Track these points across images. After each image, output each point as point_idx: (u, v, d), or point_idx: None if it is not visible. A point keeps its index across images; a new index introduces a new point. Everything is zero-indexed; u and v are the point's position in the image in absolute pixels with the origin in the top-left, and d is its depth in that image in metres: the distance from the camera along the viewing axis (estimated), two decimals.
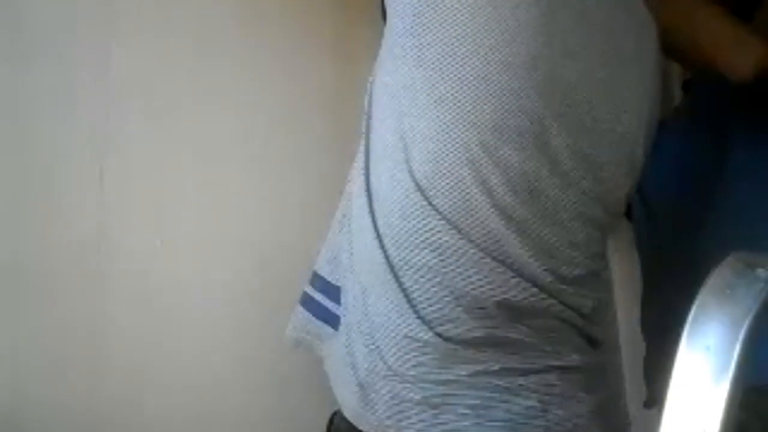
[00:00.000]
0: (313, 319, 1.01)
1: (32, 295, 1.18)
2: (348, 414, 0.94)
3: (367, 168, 0.94)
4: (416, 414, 0.89)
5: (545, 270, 0.91)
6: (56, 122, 1.20)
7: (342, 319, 0.97)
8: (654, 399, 1.38)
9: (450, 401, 0.88)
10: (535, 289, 0.90)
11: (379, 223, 0.91)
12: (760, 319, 0.51)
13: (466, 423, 0.88)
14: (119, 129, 1.24)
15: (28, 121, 1.19)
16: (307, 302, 1.02)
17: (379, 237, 0.91)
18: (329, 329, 0.99)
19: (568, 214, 0.92)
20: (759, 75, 1.10)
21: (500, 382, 0.89)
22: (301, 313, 1.02)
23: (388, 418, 0.90)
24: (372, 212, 0.92)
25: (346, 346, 0.95)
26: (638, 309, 1.49)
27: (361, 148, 0.96)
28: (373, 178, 0.93)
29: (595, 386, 0.96)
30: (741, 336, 0.50)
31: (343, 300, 0.97)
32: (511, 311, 0.90)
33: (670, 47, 1.17)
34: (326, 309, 1.00)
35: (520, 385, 0.90)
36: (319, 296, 1.01)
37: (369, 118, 0.96)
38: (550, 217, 0.91)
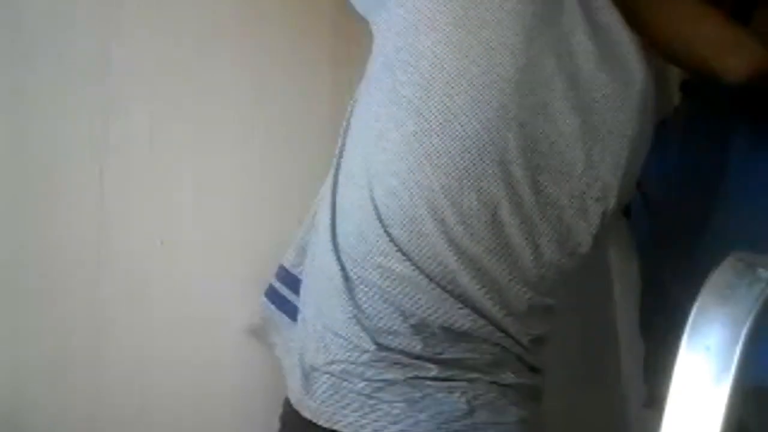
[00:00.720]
0: (272, 308, 1.09)
1: (32, 295, 1.18)
2: (292, 400, 1.00)
3: (335, 185, 0.98)
4: (353, 401, 0.94)
5: (494, 304, 0.95)
6: (56, 122, 1.20)
7: (299, 313, 1.03)
8: (653, 399, 1.39)
9: (385, 394, 0.94)
10: (482, 321, 0.95)
11: (339, 239, 0.96)
12: (761, 319, 0.51)
13: (397, 412, 0.93)
14: (119, 129, 1.24)
15: (28, 121, 1.19)
16: (270, 293, 1.09)
17: (337, 251, 0.96)
18: (287, 319, 1.06)
19: (524, 254, 0.95)
20: (755, 78, 1.10)
21: (433, 383, 0.95)
22: (263, 301, 1.10)
23: (324, 403, 0.96)
24: (333, 227, 0.97)
25: (301, 339, 1.01)
26: (638, 309, 1.50)
27: (333, 163, 1.00)
28: (338, 197, 0.98)
29: (526, 403, 1.01)
30: (742, 336, 0.50)
31: (302, 294, 1.03)
32: (454, 334, 0.95)
33: (668, 50, 1.17)
34: (285, 299, 1.07)
35: (451, 386, 0.95)
36: (280, 286, 1.08)
37: (344, 138, 1.00)
38: (506, 256, 0.94)
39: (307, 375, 0.98)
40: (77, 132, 1.21)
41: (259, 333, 1.12)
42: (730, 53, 1.11)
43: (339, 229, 0.97)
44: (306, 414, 0.98)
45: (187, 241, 1.28)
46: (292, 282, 1.06)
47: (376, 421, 0.93)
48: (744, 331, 0.50)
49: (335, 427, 0.94)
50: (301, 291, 1.03)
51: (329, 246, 0.96)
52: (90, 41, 1.23)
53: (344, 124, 1.01)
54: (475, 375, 0.96)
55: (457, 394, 0.95)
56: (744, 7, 1.29)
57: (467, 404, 0.95)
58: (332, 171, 1.00)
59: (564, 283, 1.01)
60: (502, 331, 0.97)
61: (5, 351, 1.16)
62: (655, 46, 1.14)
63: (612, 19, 0.98)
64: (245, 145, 1.32)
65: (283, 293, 1.08)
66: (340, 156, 1.00)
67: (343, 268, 0.95)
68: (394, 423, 0.93)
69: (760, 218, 1.20)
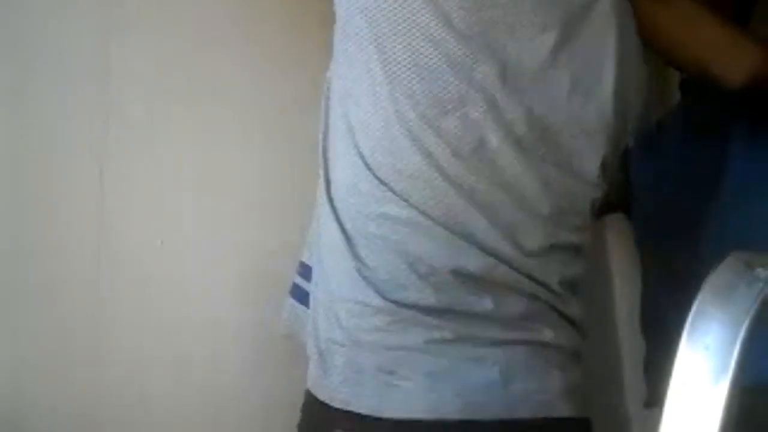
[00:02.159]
0: (296, 304, 1.03)
1: (32, 295, 1.18)
2: (309, 384, 0.95)
3: (326, 163, 0.96)
4: (370, 380, 0.88)
5: (506, 241, 0.89)
6: (56, 122, 1.20)
7: (311, 296, 0.98)
8: (654, 399, 1.38)
9: (403, 368, 0.87)
10: (491, 259, 0.89)
11: (336, 204, 0.93)
12: (760, 318, 0.51)
13: (419, 391, 0.86)
14: (119, 129, 1.24)
15: (28, 121, 1.19)
16: (293, 290, 1.04)
17: (335, 214, 0.92)
18: (306, 309, 1.00)
19: (525, 182, 0.90)
20: (754, 82, 1.10)
21: (457, 352, 0.87)
22: (290, 302, 1.04)
23: (342, 384, 0.90)
24: (329, 196, 0.93)
25: (313, 320, 0.95)
26: (638, 308, 1.49)
27: (320, 142, 0.98)
28: (330, 164, 0.95)
29: (570, 366, 0.93)
30: (741, 336, 0.50)
31: (313, 278, 0.98)
32: (470, 282, 0.88)
33: (666, 54, 1.17)
34: (304, 291, 1.02)
35: (481, 355, 0.88)
36: (299, 280, 1.03)
37: (326, 119, 0.98)
38: (504, 184, 0.89)
39: (322, 354, 0.92)
40: (77, 132, 1.22)
41: (293, 335, 1.06)
42: (729, 58, 1.11)
43: (335, 195, 0.93)
44: (322, 396, 0.92)
45: (187, 241, 1.28)
46: (308, 273, 1.03)
47: (397, 400, 0.86)
48: (743, 331, 0.50)
49: (351, 409, 0.88)
50: (313, 275, 0.99)
51: (329, 213, 0.93)
52: (90, 41, 1.23)
53: (323, 104, 0.99)
54: (504, 334, 0.88)
55: (488, 364, 0.87)
56: (743, 5, 1.29)
57: (500, 374, 0.87)
58: (320, 152, 0.98)
59: (585, 217, 0.96)
60: (523, 273, 0.90)
61: (5, 350, 1.16)
62: (654, 49, 1.14)
63: None
64: (245, 144, 1.32)
65: (303, 287, 1.05)
66: (326, 137, 0.98)
67: (343, 230, 0.91)
68: (415, 402, 0.86)
69: (759, 218, 1.20)
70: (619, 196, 1.41)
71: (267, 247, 1.30)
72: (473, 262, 0.88)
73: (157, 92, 1.26)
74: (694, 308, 0.52)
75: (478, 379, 0.87)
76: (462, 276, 0.88)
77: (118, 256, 1.23)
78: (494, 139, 0.88)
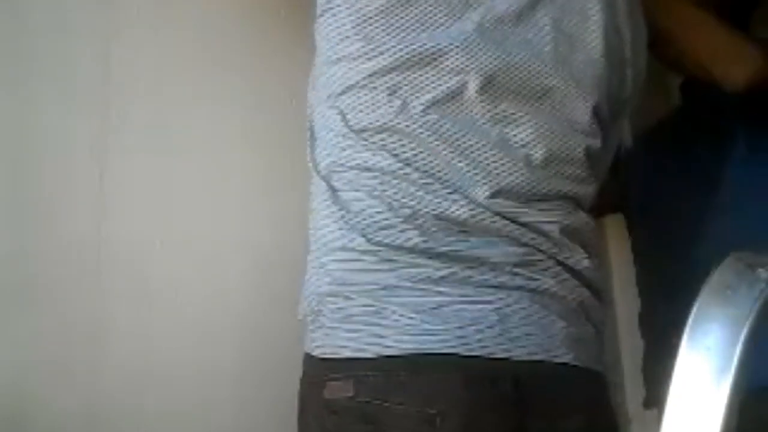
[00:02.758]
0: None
1: (32, 295, 1.18)
2: (305, 346, 0.93)
3: (312, 145, 0.97)
4: (359, 324, 0.86)
5: (488, 187, 0.88)
6: (56, 122, 1.20)
7: (308, 264, 0.97)
8: (652, 400, 1.38)
9: (393, 305, 0.85)
10: (476, 207, 0.88)
11: (320, 166, 0.94)
12: (761, 319, 0.51)
13: (409, 326, 0.83)
14: (119, 129, 1.24)
15: (28, 121, 1.19)
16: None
17: (320, 175, 0.94)
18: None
19: (510, 127, 0.90)
20: (754, 86, 1.11)
21: (448, 289, 0.85)
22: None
23: (332, 333, 0.88)
24: (313, 155, 0.96)
25: (306, 281, 0.95)
26: (638, 309, 1.49)
27: (307, 131, 0.99)
28: (315, 125, 0.96)
29: (575, 319, 0.90)
30: (742, 336, 0.50)
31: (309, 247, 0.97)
32: (455, 226, 0.87)
33: (667, 56, 1.17)
34: None
35: (474, 294, 0.85)
36: None
37: (312, 116, 0.99)
38: (486, 131, 0.89)
39: (314, 311, 0.91)
40: (77, 132, 1.21)
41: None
42: (729, 61, 1.11)
43: (319, 159, 0.95)
44: (315, 351, 0.90)
45: (187, 241, 1.28)
46: None
47: (380, 337, 0.83)
48: (744, 332, 0.50)
49: (341, 356, 0.86)
50: (309, 243, 0.98)
51: (315, 176, 0.95)
52: (90, 41, 1.23)
53: (309, 97, 1.01)
54: (498, 278, 0.86)
55: (482, 303, 0.84)
56: (743, 7, 1.29)
57: (495, 313, 0.84)
58: (308, 139, 0.99)
59: (581, 166, 0.94)
60: (513, 221, 0.88)
61: (5, 351, 1.16)
62: (655, 53, 1.14)
63: None
64: (245, 144, 1.32)
65: None
66: (311, 125, 0.99)
67: (328, 185, 0.92)
68: (405, 337, 0.82)
69: (761, 218, 1.20)
70: (618, 196, 1.41)
71: (267, 247, 1.30)
72: (457, 208, 0.87)
73: (157, 92, 1.26)
74: (695, 309, 0.52)
75: (471, 315, 0.84)
76: (446, 220, 0.87)
77: (118, 256, 1.23)
78: (473, 86, 0.89)
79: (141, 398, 1.22)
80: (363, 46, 0.90)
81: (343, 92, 0.92)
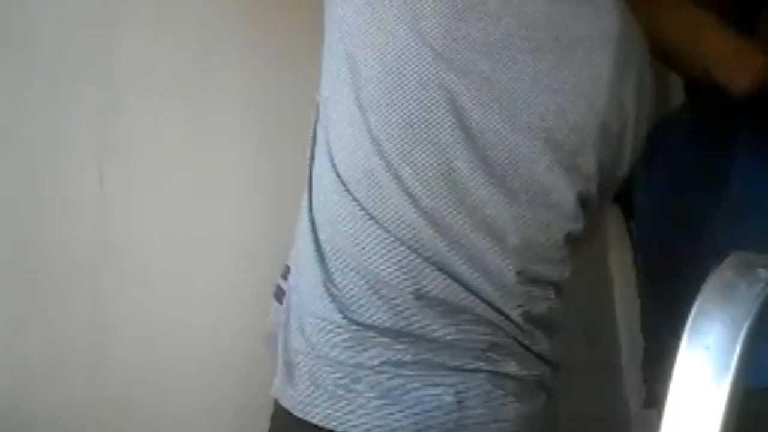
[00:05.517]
0: (277, 305, 1.03)
1: (32, 295, 1.18)
2: (273, 390, 0.95)
3: (310, 166, 0.96)
4: (327, 393, 0.89)
5: (469, 268, 0.89)
6: (56, 122, 1.20)
7: (285, 302, 0.98)
8: (653, 399, 1.38)
9: (359, 385, 0.88)
10: (454, 284, 0.88)
11: (314, 213, 0.93)
12: (762, 319, 0.51)
13: (373, 407, 0.87)
14: (119, 129, 1.24)
15: (28, 121, 1.19)
16: (277, 292, 1.04)
17: (312, 222, 0.93)
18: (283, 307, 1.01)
19: (493, 210, 0.89)
20: (757, 88, 1.10)
21: (412, 373, 0.87)
22: (273, 304, 1.04)
23: (303, 394, 0.90)
24: (310, 202, 0.94)
25: (285, 326, 0.96)
26: (638, 308, 1.49)
27: (309, 148, 0.98)
28: (314, 177, 0.95)
29: (531, 398, 0.93)
30: (741, 336, 0.50)
31: (289, 282, 0.99)
32: (432, 305, 0.88)
33: (669, 59, 1.17)
34: (284, 291, 1.02)
35: (437, 379, 0.88)
36: (282, 282, 1.03)
37: (315, 127, 0.98)
38: (470, 211, 0.88)
39: (288, 362, 0.93)
40: (77, 132, 1.22)
41: (274, 338, 1.08)
42: (733, 64, 1.11)
43: (314, 201, 0.94)
44: (285, 403, 0.93)
45: (186, 241, 1.28)
46: (286, 273, 1.05)
47: (346, 414, 0.87)
48: (744, 331, 0.50)
49: (308, 419, 0.89)
50: (289, 279, 1.00)
51: (307, 224, 0.94)
52: (90, 41, 1.23)
53: (317, 102, 0.99)
54: (465, 361, 0.88)
55: (440, 388, 0.87)
56: (750, 7, 1.29)
57: (455, 397, 0.87)
58: (308, 155, 0.98)
59: (558, 249, 0.93)
60: (486, 302, 0.89)
61: (5, 351, 1.16)
62: (657, 54, 1.14)
63: None
64: (245, 144, 1.32)
65: (285, 288, 1.06)
66: (314, 142, 0.98)
67: (316, 239, 0.92)
68: (365, 415, 0.86)
69: (762, 218, 1.20)
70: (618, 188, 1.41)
71: (267, 247, 1.30)
72: (435, 284, 0.88)
73: (157, 92, 1.26)
74: (695, 308, 0.52)
75: (431, 401, 0.87)
76: (424, 298, 0.88)
77: (117, 256, 1.23)
78: (463, 166, 0.87)
79: (141, 398, 1.22)
80: (358, 103, 0.89)
81: (337, 145, 0.91)
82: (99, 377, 1.21)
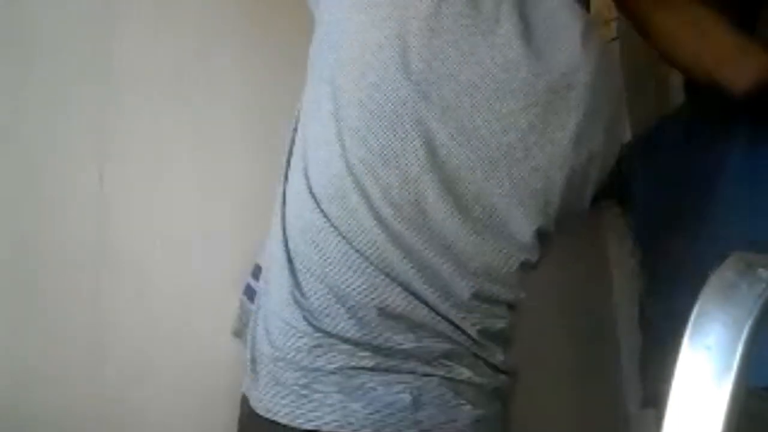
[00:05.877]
0: (247, 302, 1.08)
1: (32, 295, 1.18)
2: (243, 387, 0.99)
3: (286, 172, 0.99)
4: (288, 392, 0.92)
5: (430, 288, 0.92)
6: (56, 122, 1.20)
7: (255, 300, 1.02)
8: (649, 400, 1.39)
9: (319, 385, 0.91)
10: (418, 303, 0.92)
11: (286, 222, 0.97)
12: (763, 319, 0.51)
13: (332, 405, 0.90)
14: (119, 129, 1.24)
15: (28, 121, 1.19)
16: (246, 290, 1.09)
17: (284, 232, 0.96)
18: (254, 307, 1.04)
19: (456, 239, 0.92)
20: (758, 89, 1.10)
21: (372, 375, 0.91)
22: (242, 300, 1.09)
23: (265, 392, 0.94)
24: (283, 213, 0.97)
25: (252, 326, 1.00)
26: (638, 308, 1.50)
27: (285, 156, 1.01)
28: (288, 183, 0.98)
29: (485, 404, 0.96)
30: (743, 336, 0.50)
31: (260, 283, 1.03)
32: (395, 319, 0.92)
33: (671, 57, 1.17)
34: (253, 289, 1.07)
35: (394, 381, 0.91)
36: (254, 283, 1.08)
37: (295, 129, 1.00)
38: (435, 238, 0.92)
39: (254, 360, 0.97)
40: (77, 132, 1.22)
41: (243, 334, 1.11)
42: (734, 64, 1.10)
43: (287, 211, 0.97)
44: (251, 401, 0.96)
45: (186, 241, 1.28)
46: (256, 271, 1.08)
47: (310, 411, 0.90)
48: (745, 331, 0.50)
49: (272, 417, 0.92)
50: (260, 280, 1.03)
51: (279, 230, 0.96)
52: (90, 41, 1.23)
53: (295, 114, 1.01)
54: (422, 368, 0.92)
55: (398, 387, 0.91)
56: (750, 6, 1.29)
57: (411, 396, 0.91)
58: (284, 162, 1.00)
59: (514, 275, 0.96)
60: (445, 318, 0.93)
61: (5, 351, 1.16)
62: (658, 53, 1.14)
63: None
64: (246, 145, 1.32)
65: (254, 287, 1.08)
66: (290, 151, 1.00)
67: (287, 250, 0.95)
68: (329, 413, 0.90)
69: (761, 218, 1.20)
70: (612, 182, 1.41)
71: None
72: (399, 302, 0.92)
73: (157, 92, 1.26)
74: (696, 309, 0.52)
75: (389, 399, 0.91)
76: (388, 314, 0.92)
77: (118, 256, 1.23)
78: (431, 195, 0.90)
79: (141, 398, 1.22)
80: (336, 121, 0.90)
81: (311, 158, 0.94)
82: (99, 377, 1.21)
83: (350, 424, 0.89)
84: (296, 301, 0.93)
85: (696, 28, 1.11)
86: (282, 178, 1.00)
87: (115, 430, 1.22)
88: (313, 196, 0.92)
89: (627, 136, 1.54)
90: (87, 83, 1.22)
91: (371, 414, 0.90)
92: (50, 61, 1.20)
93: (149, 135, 1.26)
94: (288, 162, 1.00)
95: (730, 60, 1.11)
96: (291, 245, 0.95)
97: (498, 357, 0.98)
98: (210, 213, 1.30)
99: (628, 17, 1.16)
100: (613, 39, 1.60)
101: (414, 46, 0.87)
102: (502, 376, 0.99)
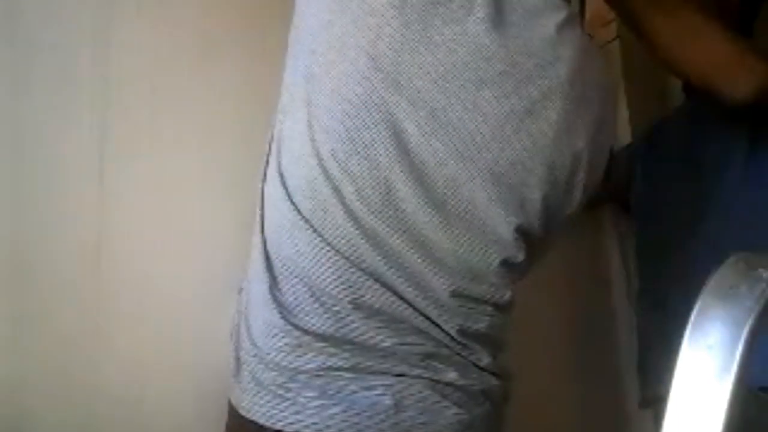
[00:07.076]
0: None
1: (32, 295, 1.18)
2: (229, 387, 0.98)
3: (266, 164, 0.99)
4: (267, 392, 0.91)
5: (406, 284, 0.90)
6: (56, 122, 1.20)
7: (240, 301, 1.01)
8: (648, 399, 1.39)
9: (298, 386, 0.89)
10: (391, 295, 0.90)
11: (264, 219, 0.96)
12: (763, 319, 0.51)
13: (310, 407, 0.88)
14: (119, 129, 1.24)
15: (28, 121, 1.19)
16: (241, 288, 1.06)
17: (262, 227, 0.96)
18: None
19: (430, 233, 0.90)
20: (757, 97, 1.10)
21: (350, 376, 0.89)
22: (237, 299, 1.06)
23: (246, 391, 0.93)
24: (262, 208, 0.97)
25: (237, 324, 0.99)
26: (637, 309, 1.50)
27: (267, 147, 1.00)
28: (267, 174, 0.98)
29: (472, 406, 0.94)
30: (743, 336, 0.50)
31: (245, 283, 1.01)
32: (372, 315, 0.90)
33: (670, 64, 1.16)
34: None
35: (374, 383, 0.89)
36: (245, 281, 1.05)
37: (272, 132, 1.00)
38: (408, 232, 0.90)
39: (237, 360, 0.96)
40: (77, 132, 1.22)
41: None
42: (733, 74, 1.10)
43: (265, 207, 0.97)
44: (233, 400, 0.95)
45: (187, 241, 1.28)
46: None
47: (291, 413, 0.88)
48: (746, 331, 0.50)
49: (250, 417, 0.91)
50: (245, 280, 1.02)
51: (258, 226, 0.97)
52: (90, 40, 1.23)
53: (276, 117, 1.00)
54: (403, 368, 0.90)
55: (379, 389, 0.89)
56: (747, 13, 1.29)
57: (392, 399, 0.88)
58: (265, 159, 1.00)
59: (496, 273, 0.94)
60: (424, 315, 0.91)
61: (4, 351, 1.16)
62: (658, 60, 1.13)
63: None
64: (246, 145, 1.32)
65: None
66: (269, 153, 0.99)
67: (265, 246, 0.95)
68: (309, 416, 0.88)
69: (761, 219, 1.20)
70: (619, 185, 1.41)
71: None
72: (373, 295, 0.90)
73: (157, 92, 1.26)
74: (696, 308, 0.52)
75: (370, 402, 0.88)
76: (363, 308, 0.90)
77: (118, 256, 1.23)
78: (402, 187, 0.89)
79: (141, 398, 1.22)
80: (307, 114, 0.90)
81: (285, 151, 0.93)
82: (99, 377, 1.20)
83: (328, 427, 0.87)
84: (275, 299, 0.92)
85: (696, 36, 1.10)
86: (262, 175, 1.00)
87: (114, 429, 1.22)
88: (287, 189, 0.92)
89: (626, 137, 1.54)
90: (87, 83, 1.22)
91: (350, 417, 0.88)
92: (50, 61, 1.20)
93: (149, 135, 1.26)
94: (267, 159, 0.99)
95: (728, 69, 1.10)
96: (268, 241, 0.95)
97: (484, 359, 0.95)
98: (210, 213, 1.30)
99: (626, 22, 1.15)
100: (613, 39, 1.60)
101: (385, 35, 0.86)
102: (491, 378, 0.96)
